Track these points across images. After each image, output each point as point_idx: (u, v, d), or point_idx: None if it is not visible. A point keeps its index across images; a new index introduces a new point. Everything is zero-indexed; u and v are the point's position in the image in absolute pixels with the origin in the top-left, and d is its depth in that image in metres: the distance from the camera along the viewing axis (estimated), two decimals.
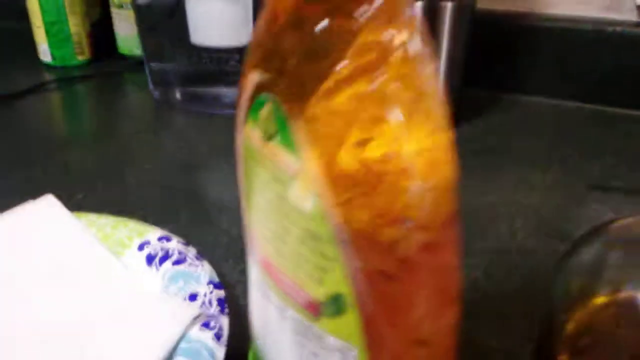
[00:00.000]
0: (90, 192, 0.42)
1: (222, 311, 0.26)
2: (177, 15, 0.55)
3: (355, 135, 0.13)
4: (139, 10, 0.59)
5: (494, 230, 0.38)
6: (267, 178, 0.15)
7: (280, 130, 0.14)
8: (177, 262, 0.30)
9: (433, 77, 0.14)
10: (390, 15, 0.13)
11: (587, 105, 0.58)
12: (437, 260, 0.14)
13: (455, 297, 0.15)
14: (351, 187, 0.13)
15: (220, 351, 0.24)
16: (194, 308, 0.26)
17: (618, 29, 0.55)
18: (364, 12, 0.13)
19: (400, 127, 0.13)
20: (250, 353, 0.23)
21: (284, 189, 0.15)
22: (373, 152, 0.13)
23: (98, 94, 0.63)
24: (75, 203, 0.40)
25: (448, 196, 0.14)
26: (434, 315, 0.15)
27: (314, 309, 0.15)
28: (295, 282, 0.15)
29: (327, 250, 0.14)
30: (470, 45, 0.51)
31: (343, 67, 0.13)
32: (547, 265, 0.33)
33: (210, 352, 0.24)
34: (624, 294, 0.17)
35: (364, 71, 0.13)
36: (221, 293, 0.28)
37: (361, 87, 0.13)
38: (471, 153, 0.49)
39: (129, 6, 0.66)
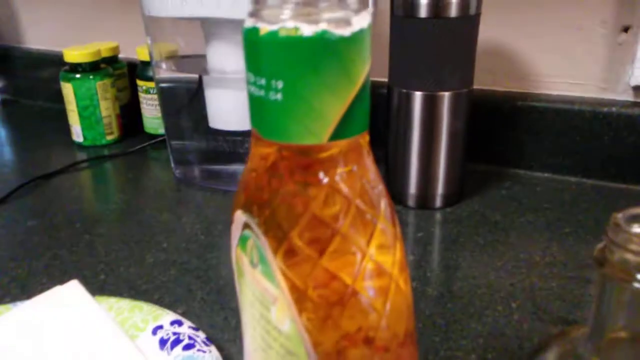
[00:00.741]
0: (112, 272, 0.46)
1: None
2: (197, 100, 0.60)
3: (320, 271, 0.16)
4: (162, 95, 0.64)
5: (490, 312, 0.40)
6: (254, 298, 0.18)
7: (260, 262, 0.17)
8: (186, 347, 0.33)
9: (389, 215, 0.17)
10: (348, 170, 0.16)
11: (588, 181, 0.60)
12: None
13: None
14: (317, 314, 0.16)
15: None
16: None
17: (614, 109, 0.58)
18: (325, 169, 0.16)
19: (359, 263, 0.16)
20: None
21: (266, 311, 0.17)
22: (337, 286, 0.16)
23: (125, 171, 0.68)
24: (98, 285, 0.43)
25: (404, 319, 0.17)
26: None
27: None
28: None
29: None
30: (470, 126, 0.54)
31: (309, 218, 0.16)
32: None
33: None
34: None
35: (326, 220, 0.16)
36: None
37: (323, 232, 0.16)
38: (471, 229, 0.51)
39: (155, 90, 0.72)
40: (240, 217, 0.18)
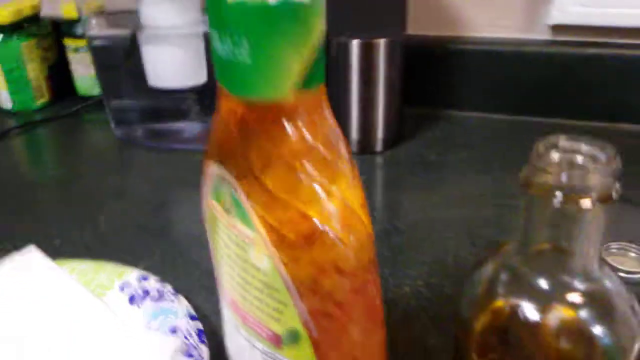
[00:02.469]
0: (66, 237, 0.46)
1: (201, 341, 0.31)
2: (134, 57, 0.59)
3: (292, 212, 0.18)
4: (95, 53, 0.62)
5: (430, 243, 0.43)
6: (229, 241, 0.20)
7: (236, 208, 0.19)
8: (156, 299, 0.34)
9: (347, 156, 0.19)
10: (310, 119, 0.18)
11: (514, 117, 0.65)
12: (364, 298, 0.19)
13: (381, 322, 0.20)
14: (293, 251, 0.18)
15: None
16: (176, 340, 0.31)
17: (535, 48, 0.62)
18: (289, 119, 0.18)
19: (325, 202, 0.18)
20: None
21: (243, 252, 0.19)
22: (308, 225, 0.18)
23: (62, 136, 0.66)
24: (53, 250, 0.44)
25: (366, 248, 0.19)
26: (365, 339, 0.20)
27: (276, 341, 0.20)
28: (259, 321, 0.20)
29: (281, 297, 0.19)
30: (405, 69, 0.57)
31: (278, 164, 0.18)
32: None
33: None
34: (511, 301, 0.23)
35: (294, 165, 0.18)
36: (198, 325, 0.32)
37: (292, 176, 0.18)
38: (410, 169, 0.55)
39: (85, 49, 0.70)
40: (213, 168, 0.20)
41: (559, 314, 0.21)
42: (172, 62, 0.57)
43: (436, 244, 0.43)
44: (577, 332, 0.20)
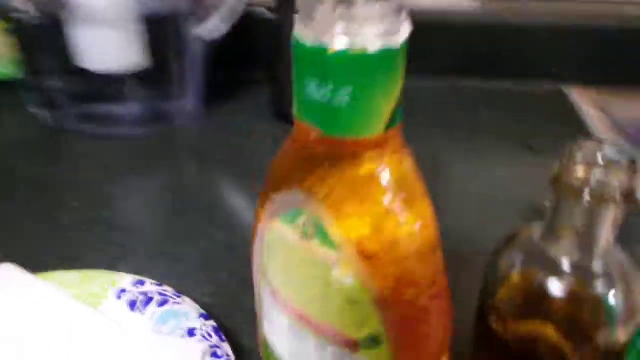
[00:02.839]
0: (25, 243, 0.43)
1: (221, 339, 0.32)
2: (61, 36, 0.54)
3: (373, 237, 0.20)
4: (18, 32, 0.57)
5: None
6: (305, 262, 0.21)
7: (317, 232, 0.20)
8: (161, 304, 0.34)
9: (417, 179, 0.21)
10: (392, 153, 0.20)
11: (454, 83, 0.69)
12: (440, 303, 0.21)
13: (450, 319, 0.23)
14: (377, 267, 0.20)
15: None
16: (200, 343, 0.31)
17: (466, 17, 0.66)
18: (379, 158, 0.19)
19: (399, 222, 0.20)
20: None
21: (324, 271, 0.21)
22: (393, 252, 0.20)
23: None
24: (20, 261, 0.41)
25: (440, 265, 0.21)
26: (438, 334, 0.22)
27: (353, 346, 0.22)
28: (336, 330, 0.22)
29: (365, 309, 0.20)
30: None
31: (365, 195, 0.19)
32: None
33: None
34: (534, 277, 0.26)
35: (378, 196, 0.20)
36: (213, 323, 0.33)
37: (376, 208, 0.20)
38: None
39: None
40: (287, 194, 0.21)
41: (577, 288, 0.24)
42: (104, 45, 0.53)
43: None
44: (593, 305, 0.24)
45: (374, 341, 0.21)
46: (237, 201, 0.50)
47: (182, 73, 0.59)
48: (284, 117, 0.61)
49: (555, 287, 0.25)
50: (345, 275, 0.20)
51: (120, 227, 0.45)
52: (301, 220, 0.21)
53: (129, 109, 0.58)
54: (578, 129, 0.60)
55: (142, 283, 0.36)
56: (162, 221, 0.46)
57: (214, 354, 0.31)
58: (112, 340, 0.32)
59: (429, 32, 0.66)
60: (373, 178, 0.20)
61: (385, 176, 0.20)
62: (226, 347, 0.31)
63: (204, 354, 0.30)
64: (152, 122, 0.59)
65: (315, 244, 0.21)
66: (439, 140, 0.57)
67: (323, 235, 0.20)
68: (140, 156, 0.55)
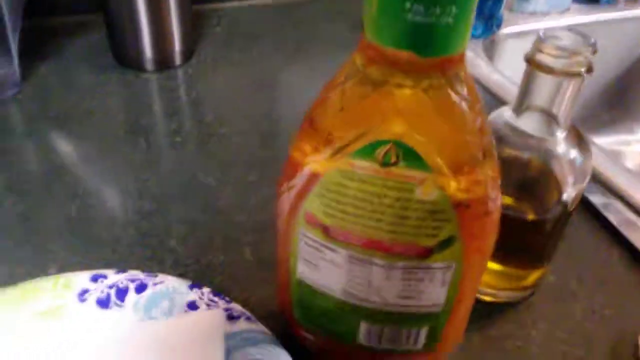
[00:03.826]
0: None
1: (228, 301, 0.30)
2: None
3: (460, 152, 0.22)
4: None
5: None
6: (385, 190, 0.22)
7: (404, 159, 0.21)
8: (140, 289, 0.31)
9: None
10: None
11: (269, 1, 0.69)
12: (496, 203, 0.24)
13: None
14: (460, 180, 0.22)
15: (262, 326, 0.29)
16: (215, 310, 0.29)
17: None
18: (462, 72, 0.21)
19: (477, 146, 0.22)
20: (299, 312, 0.29)
21: (406, 193, 0.22)
22: (471, 156, 0.22)
23: None
24: None
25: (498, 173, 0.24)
26: (494, 230, 0.25)
27: (426, 253, 0.24)
28: (409, 244, 0.23)
29: (445, 215, 0.22)
30: None
31: (452, 113, 0.21)
32: None
33: (261, 331, 0.29)
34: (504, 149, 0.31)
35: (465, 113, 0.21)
36: (208, 289, 0.31)
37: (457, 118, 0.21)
38: (219, 76, 0.55)
39: None
40: (371, 129, 0.21)
41: (540, 157, 0.30)
42: None
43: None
44: (546, 170, 0.30)
45: (447, 243, 0.24)
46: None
47: None
48: (124, 60, 0.55)
49: (522, 157, 0.30)
50: (429, 191, 0.22)
51: (32, 218, 0.37)
52: (381, 150, 0.21)
53: None
54: None
55: (103, 276, 0.31)
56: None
57: (230, 316, 0.30)
58: (118, 345, 0.28)
59: None
60: (458, 94, 0.21)
61: (465, 91, 0.21)
62: (237, 306, 0.30)
63: (221, 319, 0.29)
64: None
65: (398, 169, 0.21)
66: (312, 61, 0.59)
67: (410, 159, 0.21)
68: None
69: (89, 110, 0.49)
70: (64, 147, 0.45)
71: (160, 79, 0.54)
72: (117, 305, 0.30)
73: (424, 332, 0.28)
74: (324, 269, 0.26)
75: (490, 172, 0.23)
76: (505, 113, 0.30)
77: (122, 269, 0.32)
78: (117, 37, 0.54)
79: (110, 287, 0.31)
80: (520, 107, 0.29)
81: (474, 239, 0.24)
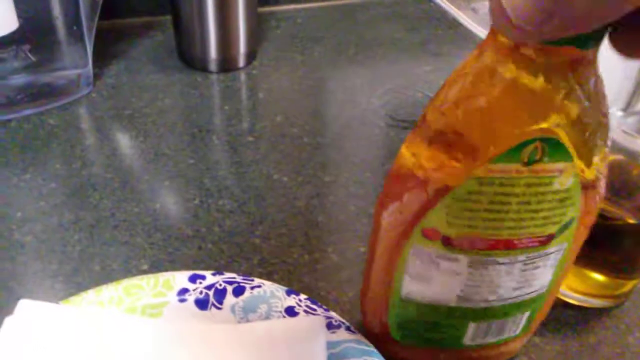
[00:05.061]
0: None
1: (325, 310, 0.30)
2: None
3: (590, 138, 0.22)
4: None
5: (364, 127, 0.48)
6: (524, 188, 0.22)
7: (547, 155, 0.21)
8: (238, 292, 0.31)
9: None
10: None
11: (326, 3, 0.69)
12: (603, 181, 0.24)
13: None
14: (593, 164, 0.22)
15: (362, 337, 0.29)
16: (317, 317, 0.29)
17: None
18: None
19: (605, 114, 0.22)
20: (394, 320, 0.28)
21: (544, 187, 0.22)
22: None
23: None
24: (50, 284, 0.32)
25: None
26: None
27: (548, 240, 0.24)
28: (534, 236, 0.23)
29: (573, 200, 0.23)
30: None
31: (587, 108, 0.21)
32: None
33: (358, 342, 0.29)
34: None
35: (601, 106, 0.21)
36: (305, 296, 0.31)
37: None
38: (294, 72, 0.55)
39: None
40: (520, 131, 0.21)
41: None
42: None
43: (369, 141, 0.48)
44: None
45: (568, 225, 0.24)
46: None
47: (69, 34, 0.48)
48: (190, 61, 0.55)
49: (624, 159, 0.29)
50: (565, 180, 0.22)
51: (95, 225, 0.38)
52: (527, 150, 0.21)
53: (3, 86, 0.47)
54: (448, 27, 0.66)
55: (201, 277, 0.32)
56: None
57: (330, 324, 0.29)
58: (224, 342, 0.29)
59: None
60: (596, 85, 0.21)
61: (594, 85, 0.21)
62: (336, 315, 0.30)
63: (322, 326, 0.29)
64: (36, 101, 0.48)
65: (542, 165, 0.21)
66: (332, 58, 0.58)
67: (554, 152, 0.21)
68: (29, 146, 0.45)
69: (160, 109, 0.49)
70: (140, 146, 0.45)
71: (226, 80, 0.54)
72: (215, 306, 0.31)
73: (525, 316, 0.28)
74: (437, 281, 0.25)
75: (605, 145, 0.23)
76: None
77: (219, 271, 0.32)
78: (184, 38, 0.54)
79: (209, 288, 0.31)
80: (629, 107, 0.29)
81: (585, 216, 0.24)
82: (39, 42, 0.47)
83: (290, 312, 0.30)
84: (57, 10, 0.47)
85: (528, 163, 0.21)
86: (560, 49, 0.19)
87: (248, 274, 0.35)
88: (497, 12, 0.17)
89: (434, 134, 0.22)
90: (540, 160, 0.21)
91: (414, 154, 0.23)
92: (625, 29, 0.17)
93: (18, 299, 0.29)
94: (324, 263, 0.36)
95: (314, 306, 0.30)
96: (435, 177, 0.22)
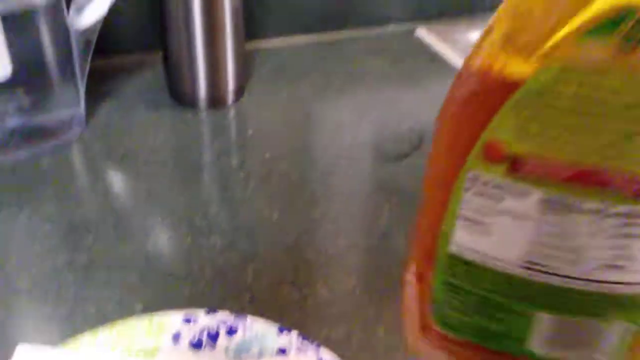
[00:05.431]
0: None
1: (317, 346, 0.31)
2: None
3: None
4: None
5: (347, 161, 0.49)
6: (622, 86, 0.16)
7: None
8: (231, 332, 0.32)
9: None
10: None
11: (312, 37, 0.71)
12: None
13: None
14: None
15: None
16: (309, 355, 0.30)
17: None
18: None
19: None
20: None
21: None
22: None
23: None
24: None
25: None
26: None
27: None
28: (635, 176, 0.17)
29: None
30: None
31: None
32: None
33: None
34: None
35: None
36: (295, 334, 0.32)
37: None
38: (285, 107, 0.56)
39: None
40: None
41: None
42: None
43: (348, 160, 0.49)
44: None
45: None
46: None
47: (61, 75, 0.50)
48: (180, 98, 0.56)
49: None
50: None
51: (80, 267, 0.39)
52: (626, 24, 0.16)
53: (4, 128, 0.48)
54: (431, 60, 0.68)
55: (194, 317, 0.32)
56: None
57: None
58: None
59: None
60: None
61: None
62: (327, 351, 0.31)
63: None
64: (29, 143, 0.49)
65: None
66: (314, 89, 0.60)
67: None
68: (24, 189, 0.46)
69: (152, 148, 0.51)
70: (132, 185, 0.46)
71: (215, 117, 0.55)
72: (209, 347, 0.31)
73: (625, 330, 0.20)
74: (498, 228, 0.19)
75: None
76: None
77: (212, 309, 0.33)
78: (174, 76, 0.56)
79: (202, 328, 0.32)
80: None
81: None
82: (32, 84, 0.48)
83: (282, 351, 0.31)
84: (50, 53, 0.48)
85: (627, 45, 0.16)
86: None
87: (241, 312, 0.35)
88: None
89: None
90: (630, 50, 0.16)
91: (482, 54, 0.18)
92: None
93: (15, 343, 0.29)
94: (314, 299, 0.37)
95: (305, 342, 0.31)
96: (496, 65, 0.18)
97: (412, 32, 0.74)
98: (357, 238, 0.42)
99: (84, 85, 0.51)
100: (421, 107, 0.58)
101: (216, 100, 0.57)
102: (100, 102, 0.56)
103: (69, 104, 0.51)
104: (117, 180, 0.47)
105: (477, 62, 0.18)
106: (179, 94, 0.56)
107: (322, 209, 0.45)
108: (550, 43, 0.16)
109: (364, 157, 0.51)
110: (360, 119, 0.56)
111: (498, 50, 0.18)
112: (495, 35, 0.18)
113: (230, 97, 0.57)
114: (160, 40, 0.55)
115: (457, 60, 0.68)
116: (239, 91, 0.58)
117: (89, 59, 0.50)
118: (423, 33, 0.74)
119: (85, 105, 0.52)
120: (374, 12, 0.73)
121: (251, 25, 0.67)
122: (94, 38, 0.49)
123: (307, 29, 0.71)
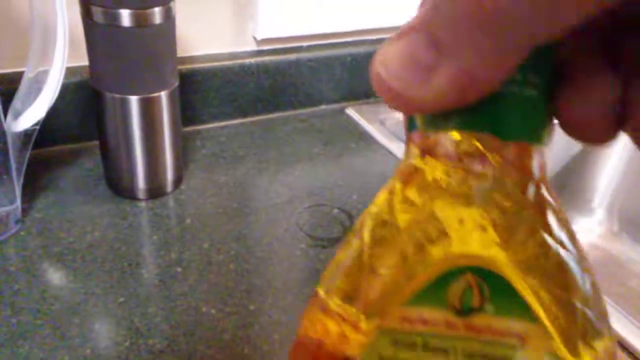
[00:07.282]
0: None
1: None
2: None
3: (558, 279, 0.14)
4: None
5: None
6: (458, 358, 0.15)
7: (494, 301, 0.14)
8: None
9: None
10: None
11: (247, 119, 0.74)
12: None
13: None
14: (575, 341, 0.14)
15: None
16: None
17: (248, 60, 0.72)
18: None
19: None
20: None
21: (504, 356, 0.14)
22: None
23: None
24: None
25: None
26: None
27: None
28: None
29: None
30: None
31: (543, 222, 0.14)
32: None
33: None
34: None
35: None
36: None
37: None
38: (220, 190, 0.59)
39: None
40: (457, 250, 0.14)
41: None
42: None
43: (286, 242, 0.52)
44: None
45: None
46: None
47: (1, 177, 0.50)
48: (118, 189, 0.58)
49: None
50: (537, 355, 0.14)
51: None
52: (457, 287, 0.14)
53: None
54: (360, 137, 0.73)
55: None
56: None
57: None
58: None
59: (223, 76, 0.71)
60: (551, 203, 0.15)
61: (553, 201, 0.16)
62: None
63: None
64: None
65: (485, 319, 0.14)
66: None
67: (503, 299, 0.14)
68: None
69: (90, 243, 0.52)
70: (70, 286, 0.47)
71: (154, 208, 0.57)
72: None
73: None
74: None
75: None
76: None
77: None
78: (112, 167, 0.57)
79: None
80: None
81: None
82: None
83: None
84: None
85: (462, 312, 0.14)
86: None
87: None
88: (373, 75, 0.13)
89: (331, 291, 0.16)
90: (480, 310, 0.14)
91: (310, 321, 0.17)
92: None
93: None
94: None
95: None
96: (330, 341, 0.16)
97: (342, 111, 0.79)
98: (290, 332, 0.44)
99: (21, 181, 0.52)
100: (349, 189, 0.62)
101: (155, 190, 0.58)
102: (38, 196, 0.57)
103: (4, 202, 0.51)
104: (54, 281, 0.48)
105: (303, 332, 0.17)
106: (117, 185, 0.58)
107: (258, 301, 0.47)
108: (374, 308, 0.15)
109: (296, 244, 0.54)
110: (292, 203, 0.59)
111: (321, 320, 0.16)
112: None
113: (169, 186, 0.59)
114: (99, 132, 0.56)
115: (382, 139, 0.73)
116: (178, 180, 0.60)
117: (28, 154, 0.51)
118: (352, 112, 0.79)
119: (21, 200, 0.53)
120: (307, 93, 0.78)
121: (189, 111, 0.70)
122: (34, 134, 0.51)
123: (243, 113, 0.74)
